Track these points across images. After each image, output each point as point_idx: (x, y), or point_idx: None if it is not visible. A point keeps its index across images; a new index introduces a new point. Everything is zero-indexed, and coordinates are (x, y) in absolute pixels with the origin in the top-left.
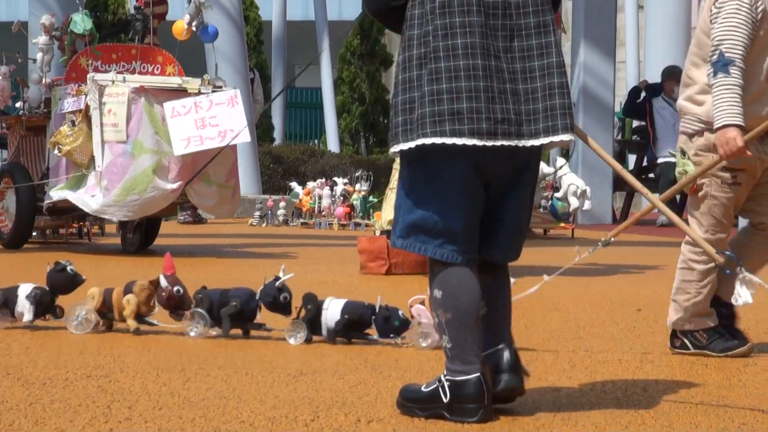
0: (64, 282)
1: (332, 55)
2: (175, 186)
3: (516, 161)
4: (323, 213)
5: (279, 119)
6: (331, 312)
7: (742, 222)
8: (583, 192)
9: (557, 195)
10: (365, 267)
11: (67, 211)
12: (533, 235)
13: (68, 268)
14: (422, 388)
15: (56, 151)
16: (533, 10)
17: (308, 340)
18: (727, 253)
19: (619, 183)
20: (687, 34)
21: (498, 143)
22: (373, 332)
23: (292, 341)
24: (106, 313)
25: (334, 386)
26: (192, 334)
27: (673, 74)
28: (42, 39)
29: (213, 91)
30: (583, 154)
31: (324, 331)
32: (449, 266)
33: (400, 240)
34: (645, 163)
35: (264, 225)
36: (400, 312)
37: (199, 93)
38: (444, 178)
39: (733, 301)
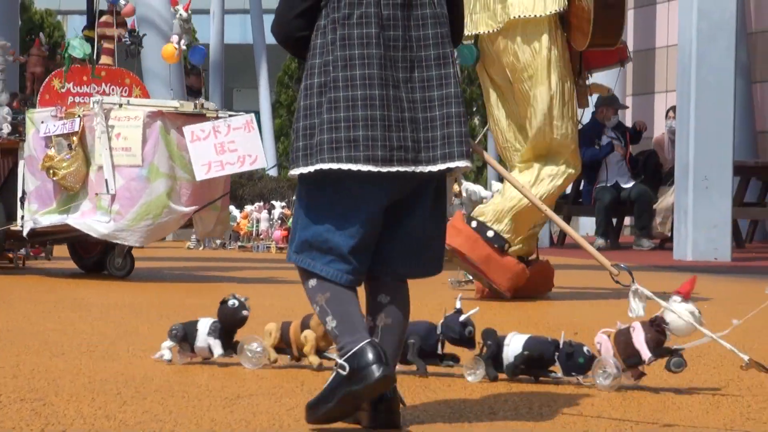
0: (231, 316)
1: (270, 79)
2: (187, 210)
3: (415, 185)
4: (261, 236)
5: None
6: (513, 348)
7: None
8: None
9: None
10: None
11: (47, 235)
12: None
13: (229, 302)
14: (324, 389)
15: (51, 176)
16: (433, 43)
17: (493, 378)
18: (622, 265)
19: (556, 207)
20: None
21: (393, 169)
22: (557, 369)
23: (470, 378)
24: (285, 349)
25: (270, 409)
26: None
27: (609, 102)
28: None
29: (230, 116)
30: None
31: (505, 368)
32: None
33: (294, 255)
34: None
35: (201, 248)
36: (584, 348)
37: (217, 117)
38: (339, 200)
39: (628, 313)
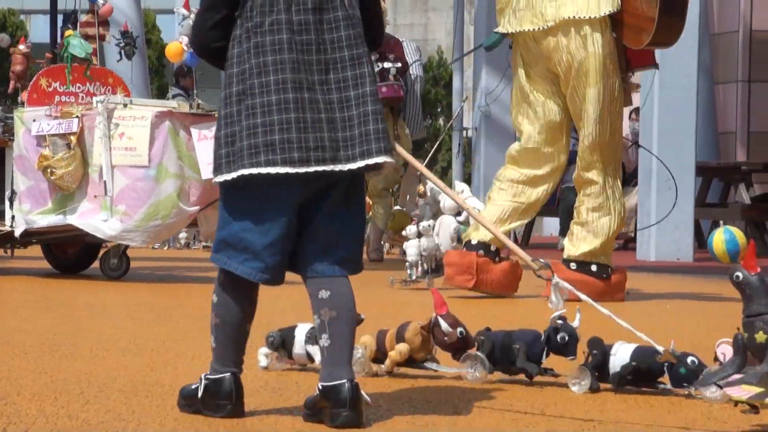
0: None
1: None
2: (193, 210)
3: (332, 183)
4: None
5: None
6: (620, 357)
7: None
8: None
9: (459, 219)
10: (452, 279)
11: (40, 235)
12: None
13: None
14: (192, 386)
15: (49, 176)
16: (347, 44)
17: (594, 389)
18: (542, 260)
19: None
20: None
21: (311, 169)
22: (666, 380)
23: (575, 389)
24: (382, 359)
25: None
26: (469, 378)
27: None
28: None
29: None
30: (484, 178)
31: (610, 378)
32: (233, 276)
33: (213, 254)
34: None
35: (165, 248)
36: (688, 358)
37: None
38: (255, 201)
39: (549, 305)
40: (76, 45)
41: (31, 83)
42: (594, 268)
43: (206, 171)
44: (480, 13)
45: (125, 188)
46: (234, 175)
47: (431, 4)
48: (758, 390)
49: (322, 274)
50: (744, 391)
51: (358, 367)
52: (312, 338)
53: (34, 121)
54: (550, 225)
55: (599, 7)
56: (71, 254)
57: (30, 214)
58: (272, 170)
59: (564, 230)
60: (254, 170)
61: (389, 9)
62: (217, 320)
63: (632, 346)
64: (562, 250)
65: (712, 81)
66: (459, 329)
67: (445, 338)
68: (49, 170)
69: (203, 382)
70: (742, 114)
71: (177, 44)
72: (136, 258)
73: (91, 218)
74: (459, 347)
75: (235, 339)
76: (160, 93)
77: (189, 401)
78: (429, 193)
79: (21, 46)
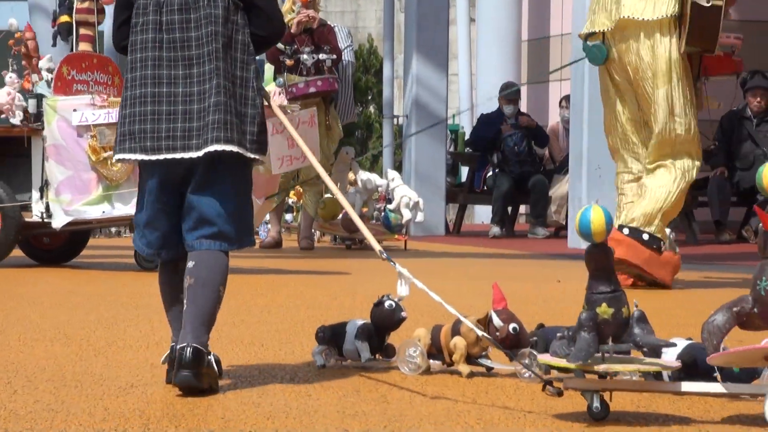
0: (388, 318)
1: None
2: (260, 202)
3: (191, 167)
4: None
5: None
6: (669, 355)
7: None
8: (416, 204)
9: (390, 207)
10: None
11: (78, 224)
12: (366, 247)
13: (386, 304)
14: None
15: (110, 166)
16: (206, 41)
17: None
18: (385, 254)
19: (452, 195)
20: (517, 47)
21: (161, 157)
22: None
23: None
24: (436, 355)
25: (164, 399)
26: (526, 376)
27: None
28: None
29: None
30: (415, 166)
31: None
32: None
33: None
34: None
35: (97, 236)
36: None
37: (288, 111)
38: (142, 184)
39: (399, 294)
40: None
41: (56, 72)
42: (645, 237)
43: (275, 165)
44: (410, 1)
45: None
46: (115, 157)
47: None
48: (569, 365)
49: (191, 248)
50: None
51: (413, 364)
52: (362, 334)
53: (74, 111)
54: (482, 213)
55: (654, 10)
56: (50, 244)
57: (72, 204)
58: (131, 156)
59: (496, 217)
60: (121, 155)
61: None
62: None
63: (684, 343)
64: (494, 237)
65: None
66: (512, 325)
67: (497, 333)
68: (109, 161)
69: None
70: None
71: None
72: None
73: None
74: (511, 344)
75: (167, 309)
76: None
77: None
78: (360, 183)
79: (28, 33)
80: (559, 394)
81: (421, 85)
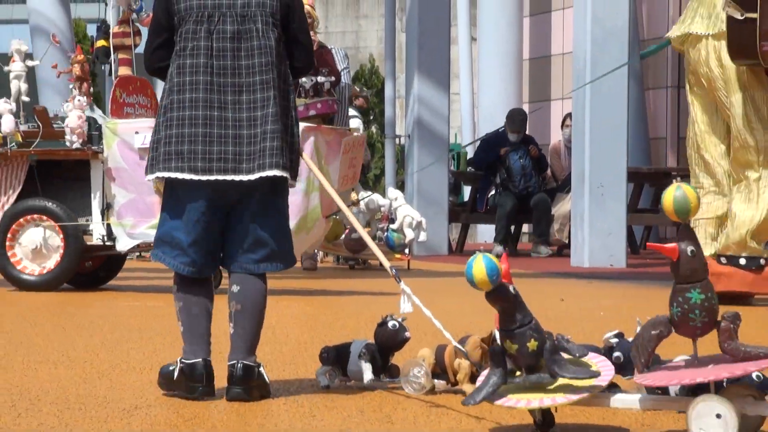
0: (392, 338)
1: None
2: (323, 222)
3: (241, 193)
4: None
5: None
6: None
7: None
8: (419, 223)
9: (393, 226)
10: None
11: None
12: (370, 267)
13: (390, 323)
14: (170, 367)
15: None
16: (258, 70)
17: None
18: (394, 270)
19: (454, 214)
20: (519, 66)
21: (212, 178)
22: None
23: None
24: (441, 375)
25: (169, 420)
26: (409, 390)
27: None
28: (16, 66)
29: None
30: (418, 186)
31: None
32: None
33: (152, 251)
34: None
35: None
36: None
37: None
38: (182, 202)
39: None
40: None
41: (111, 95)
42: (743, 261)
43: (339, 184)
44: (411, 21)
45: None
46: (152, 176)
47: (362, 11)
48: (532, 397)
49: (236, 270)
50: (519, 401)
51: (418, 384)
52: (365, 354)
53: (136, 133)
54: (485, 232)
55: (708, 25)
56: (89, 268)
57: (137, 228)
58: (179, 175)
59: (499, 236)
60: (165, 174)
61: (321, 17)
62: (179, 304)
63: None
64: (498, 256)
65: (642, 87)
66: None
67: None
68: None
69: (179, 365)
70: (672, 119)
71: None
72: None
73: None
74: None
75: (198, 317)
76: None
77: (164, 380)
78: (362, 204)
79: (80, 56)
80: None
81: (423, 105)
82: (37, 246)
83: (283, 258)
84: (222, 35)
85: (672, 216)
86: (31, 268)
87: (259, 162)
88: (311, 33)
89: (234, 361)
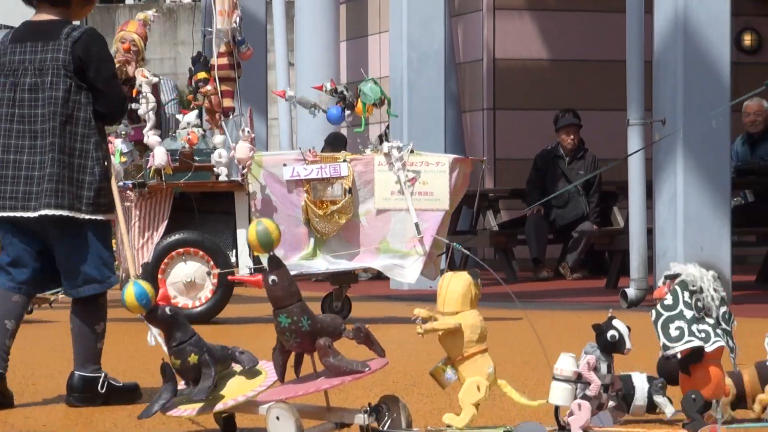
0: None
1: None
2: (445, 240)
3: (45, 227)
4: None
5: None
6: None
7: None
8: None
9: None
10: None
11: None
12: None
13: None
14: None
15: (338, 220)
16: (47, 119)
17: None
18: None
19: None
20: None
21: (6, 214)
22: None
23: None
24: (738, 403)
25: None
26: None
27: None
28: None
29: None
30: None
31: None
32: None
33: None
34: None
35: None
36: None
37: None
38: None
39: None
40: (367, 92)
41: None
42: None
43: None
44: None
45: (425, 231)
46: None
47: (180, 38)
48: (197, 405)
49: (67, 293)
50: (186, 410)
51: (717, 412)
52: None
53: (284, 165)
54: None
55: None
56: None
57: (288, 259)
58: None
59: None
60: None
61: None
62: None
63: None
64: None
65: (459, 110)
66: None
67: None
68: (335, 215)
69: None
70: (489, 141)
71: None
72: None
73: (380, 262)
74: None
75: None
76: None
77: None
78: None
79: (210, 88)
80: None
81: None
82: (191, 279)
83: (100, 281)
84: (22, 87)
85: (258, 250)
86: (183, 302)
87: (41, 201)
88: (132, 67)
89: (72, 371)
